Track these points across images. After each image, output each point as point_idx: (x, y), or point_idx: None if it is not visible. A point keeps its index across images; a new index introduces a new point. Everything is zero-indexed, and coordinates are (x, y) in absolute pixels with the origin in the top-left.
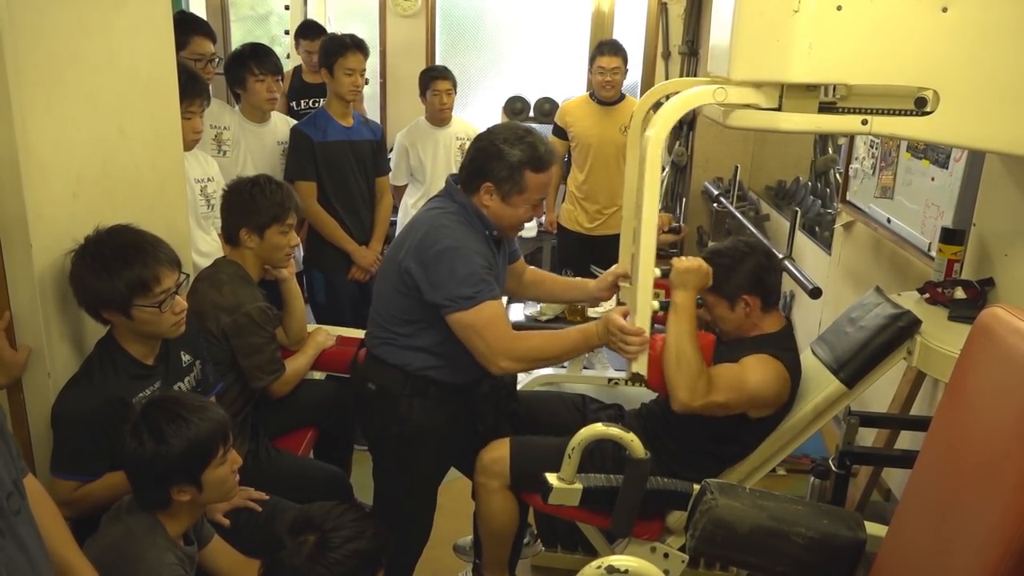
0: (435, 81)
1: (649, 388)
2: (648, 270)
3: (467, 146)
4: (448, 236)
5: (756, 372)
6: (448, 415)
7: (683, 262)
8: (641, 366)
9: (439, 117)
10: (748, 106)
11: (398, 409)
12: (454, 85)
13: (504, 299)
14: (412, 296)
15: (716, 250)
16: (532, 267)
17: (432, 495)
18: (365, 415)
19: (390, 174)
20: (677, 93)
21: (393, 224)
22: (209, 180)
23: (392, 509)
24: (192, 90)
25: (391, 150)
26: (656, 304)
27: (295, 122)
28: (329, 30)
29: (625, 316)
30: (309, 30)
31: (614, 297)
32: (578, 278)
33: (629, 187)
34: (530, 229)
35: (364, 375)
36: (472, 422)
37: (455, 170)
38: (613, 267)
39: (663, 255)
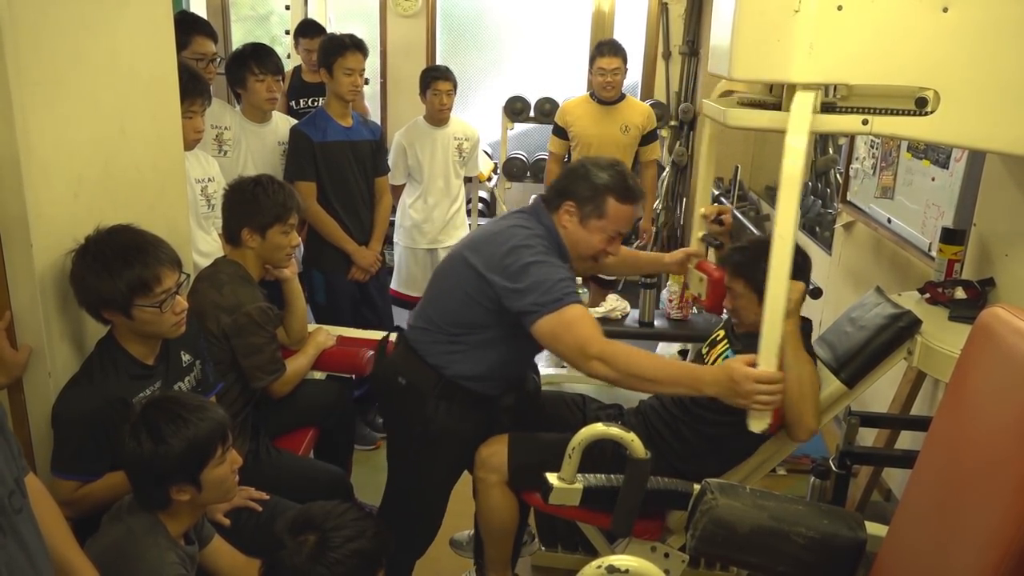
0: (436, 81)
1: (768, 432)
2: (778, 307)
3: (465, 146)
4: (535, 253)
5: (811, 366)
6: (473, 422)
7: (794, 291)
8: (771, 414)
9: (438, 117)
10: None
11: (424, 409)
12: (454, 86)
13: None
14: (486, 306)
15: (756, 240)
16: None
17: (443, 497)
18: (389, 408)
19: (388, 173)
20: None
21: (392, 224)
22: (210, 180)
23: (401, 505)
24: (193, 89)
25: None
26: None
27: (296, 122)
28: (329, 30)
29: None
30: (308, 29)
31: (609, 297)
32: (652, 252)
33: (703, 177)
34: None
35: (395, 367)
36: (491, 430)
37: (453, 170)
38: (684, 248)
39: (712, 244)
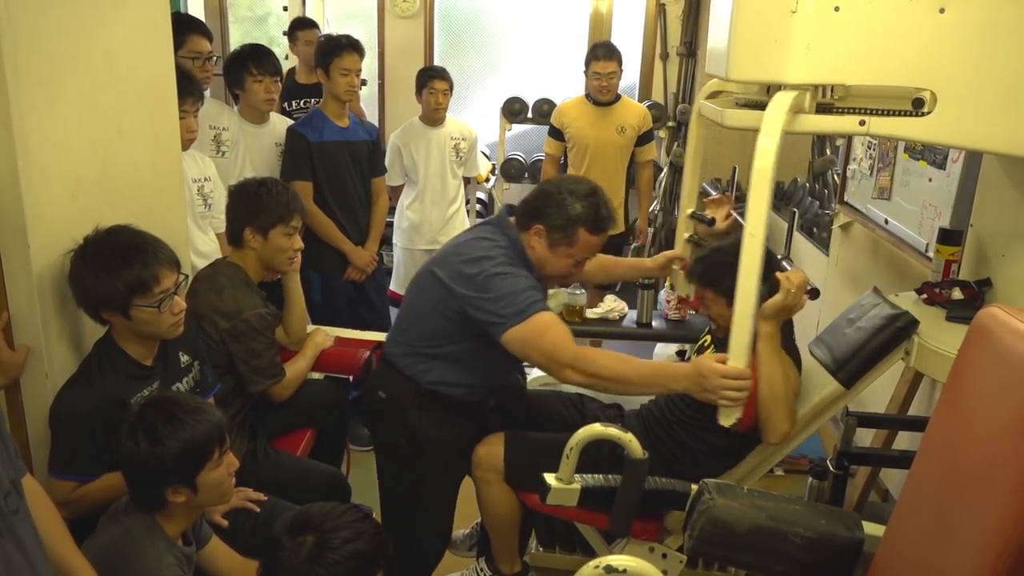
0: (432, 80)
1: (739, 429)
2: (748, 304)
3: (462, 145)
4: (498, 264)
5: (792, 370)
6: (458, 429)
7: (794, 280)
8: (740, 409)
9: (433, 117)
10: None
11: (407, 421)
12: (451, 86)
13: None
14: (452, 318)
15: (716, 247)
16: None
17: (445, 509)
18: (375, 424)
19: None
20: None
21: (389, 225)
22: (206, 180)
23: (403, 523)
24: (185, 89)
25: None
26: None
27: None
28: (327, 31)
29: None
30: (304, 22)
31: (607, 298)
32: (631, 258)
33: (689, 176)
34: None
35: (376, 383)
36: (482, 434)
37: (450, 170)
38: (667, 251)
39: (701, 246)
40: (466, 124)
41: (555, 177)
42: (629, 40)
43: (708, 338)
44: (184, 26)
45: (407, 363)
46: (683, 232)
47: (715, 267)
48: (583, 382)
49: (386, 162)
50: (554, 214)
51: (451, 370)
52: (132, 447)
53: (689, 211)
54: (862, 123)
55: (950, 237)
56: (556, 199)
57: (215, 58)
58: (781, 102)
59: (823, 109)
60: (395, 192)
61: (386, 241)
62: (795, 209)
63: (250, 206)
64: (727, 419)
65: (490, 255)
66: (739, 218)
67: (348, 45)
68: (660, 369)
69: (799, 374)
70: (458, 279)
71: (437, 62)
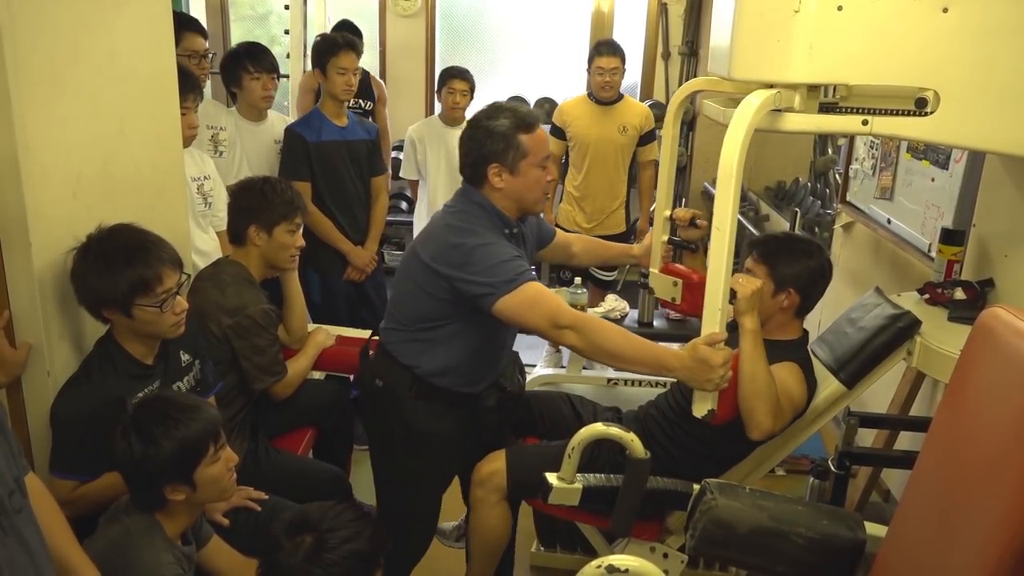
0: (452, 80)
1: (713, 422)
2: (722, 298)
3: None
4: (476, 236)
5: (793, 381)
6: (454, 422)
7: (746, 288)
8: (715, 399)
9: (451, 116)
10: (787, 110)
11: (402, 410)
12: (471, 88)
13: None
14: (441, 298)
15: (790, 234)
16: (576, 234)
17: (435, 500)
18: (369, 412)
19: (401, 168)
20: (704, 91)
21: (390, 224)
22: (206, 178)
23: (395, 512)
24: (185, 85)
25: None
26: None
27: (291, 120)
28: (328, 29)
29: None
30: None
31: (608, 297)
32: (621, 244)
33: (663, 178)
34: None
35: (372, 370)
36: (477, 433)
37: (458, 172)
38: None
39: (687, 248)
40: None
41: (464, 127)
42: (631, 39)
43: None
44: (180, 25)
45: (403, 350)
46: (662, 235)
47: (782, 250)
48: (579, 346)
49: (402, 155)
50: (492, 144)
51: (446, 355)
52: (126, 448)
53: (667, 213)
54: (865, 123)
55: (952, 237)
56: (482, 133)
57: (211, 56)
58: (754, 100)
59: (826, 109)
60: (412, 187)
61: (387, 240)
62: (797, 209)
63: (255, 204)
64: (699, 409)
65: (465, 226)
66: (740, 218)
67: (345, 44)
68: (655, 352)
69: (806, 386)
70: (441, 258)
71: (438, 61)
